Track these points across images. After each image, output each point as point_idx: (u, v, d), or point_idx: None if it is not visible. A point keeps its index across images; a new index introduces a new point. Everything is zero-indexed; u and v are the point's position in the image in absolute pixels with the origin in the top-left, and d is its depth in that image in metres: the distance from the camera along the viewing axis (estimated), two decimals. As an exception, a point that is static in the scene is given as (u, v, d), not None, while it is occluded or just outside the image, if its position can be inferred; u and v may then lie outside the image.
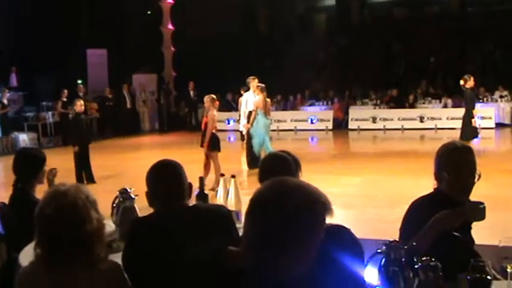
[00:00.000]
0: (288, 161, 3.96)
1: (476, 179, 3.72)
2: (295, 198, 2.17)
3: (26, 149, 5.58)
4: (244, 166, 15.77)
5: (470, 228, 3.81)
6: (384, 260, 2.86)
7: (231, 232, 3.54)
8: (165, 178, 3.59)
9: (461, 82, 15.53)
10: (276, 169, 3.85)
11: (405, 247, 2.86)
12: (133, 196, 4.95)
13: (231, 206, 5.01)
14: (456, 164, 3.72)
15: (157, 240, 3.41)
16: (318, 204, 2.17)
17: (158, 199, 3.59)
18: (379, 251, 2.89)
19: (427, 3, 37.90)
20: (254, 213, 2.21)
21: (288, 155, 4.06)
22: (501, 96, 26.38)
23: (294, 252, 2.16)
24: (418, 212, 3.72)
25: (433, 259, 2.87)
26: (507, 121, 25.68)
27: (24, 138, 23.54)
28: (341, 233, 2.80)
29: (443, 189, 3.75)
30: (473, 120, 15.36)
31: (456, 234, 3.48)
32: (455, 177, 3.69)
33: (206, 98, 13.11)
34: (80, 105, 14.42)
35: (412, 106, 27.15)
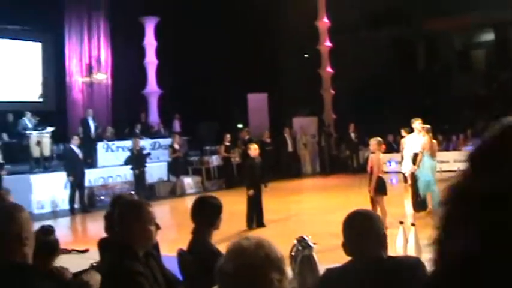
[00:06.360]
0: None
1: None
2: None
3: (203, 197, 5.72)
4: (410, 209, 15.41)
5: None
6: None
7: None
8: (357, 228, 3.61)
9: None
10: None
11: None
12: (311, 244, 4.94)
13: (411, 254, 4.90)
14: None
15: None
16: None
17: (353, 249, 3.61)
18: None
19: None
20: None
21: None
22: None
23: None
24: None
25: None
26: None
27: (189, 182, 24.28)
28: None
29: None
30: None
31: None
32: None
33: (372, 141, 12.99)
34: (253, 149, 14.76)
35: None
